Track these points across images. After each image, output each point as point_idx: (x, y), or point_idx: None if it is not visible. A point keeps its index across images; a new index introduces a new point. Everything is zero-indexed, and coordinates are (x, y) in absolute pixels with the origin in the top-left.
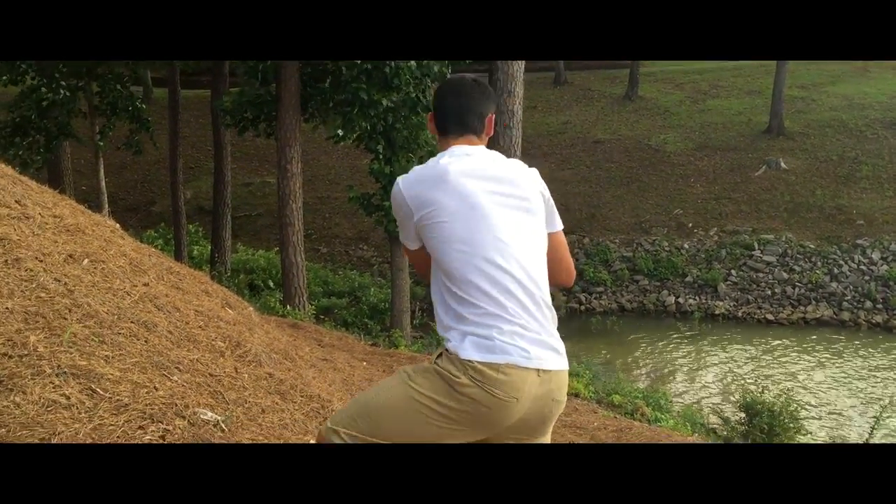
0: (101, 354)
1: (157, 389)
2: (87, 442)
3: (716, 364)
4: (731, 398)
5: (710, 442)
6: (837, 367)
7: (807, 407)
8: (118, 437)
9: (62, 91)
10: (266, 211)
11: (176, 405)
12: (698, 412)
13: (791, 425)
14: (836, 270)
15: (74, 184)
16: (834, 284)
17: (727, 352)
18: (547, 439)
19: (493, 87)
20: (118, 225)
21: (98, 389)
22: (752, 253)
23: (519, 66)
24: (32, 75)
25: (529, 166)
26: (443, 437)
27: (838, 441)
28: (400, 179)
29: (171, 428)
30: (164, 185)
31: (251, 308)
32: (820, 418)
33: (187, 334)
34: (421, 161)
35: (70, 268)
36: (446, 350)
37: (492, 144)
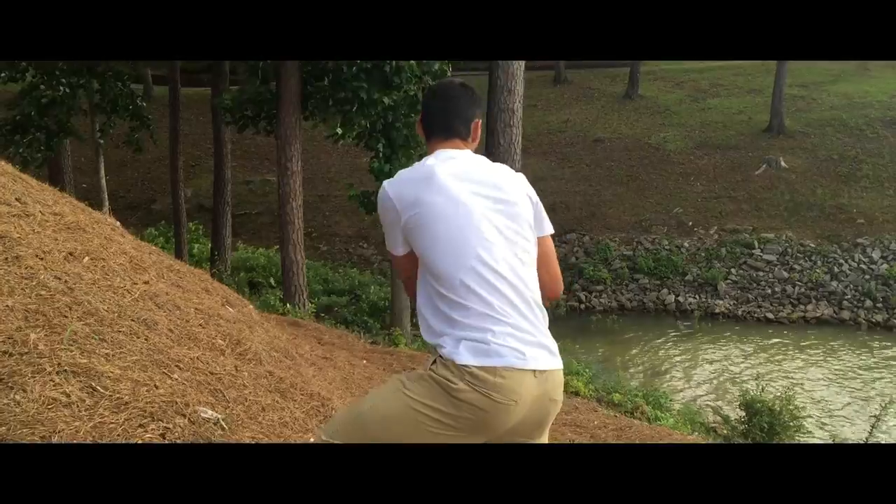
0: (101, 352)
1: (157, 387)
2: (88, 440)
3: (716, 363)
4: (731, 397)
5: (710, 441)
6: (837, 366)
7: (806, 406)
8: (118, 435)
9: (62, 89)
10: (266, 209)
11: (176, 403)
12: (698, 411)
13: (791, 424)
14: (836, 269)
15: (75, 181)
16: (834, 283)
17: (727, 350)
18: (544, 439)
19: (494, 85)
20: (118, 223)
21: (98, 387)
22: (753, 252)
23: (519, 65)
24: (33, 73)
25: (530, 165)
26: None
27: (838, 440)
28: (386, 183)
29: (171, 426)
30: (165, 182)
31: (251, 306)
32: (819, 417)
33: (188, 332)
34: (420, 159)
35: (70, 265)
36: (440, 357)
37: (492, 143)
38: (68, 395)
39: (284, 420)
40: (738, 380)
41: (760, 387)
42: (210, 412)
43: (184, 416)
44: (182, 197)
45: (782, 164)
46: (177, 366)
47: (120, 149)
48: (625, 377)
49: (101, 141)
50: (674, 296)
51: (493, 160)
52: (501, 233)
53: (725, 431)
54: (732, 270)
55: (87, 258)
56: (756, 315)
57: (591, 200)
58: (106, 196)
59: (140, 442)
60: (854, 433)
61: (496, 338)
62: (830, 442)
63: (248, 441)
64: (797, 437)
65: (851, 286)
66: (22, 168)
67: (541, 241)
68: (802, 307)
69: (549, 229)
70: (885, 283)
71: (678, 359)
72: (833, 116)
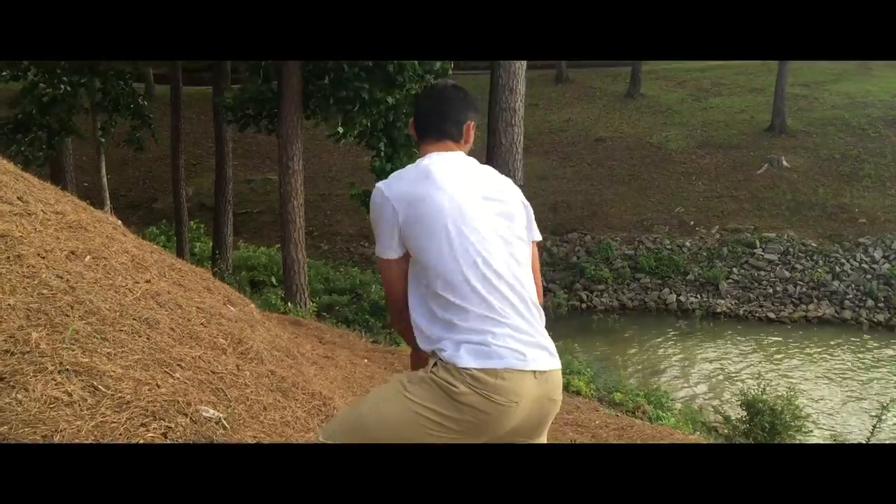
0: (103, 351)
1: (159, 387)
2: (90, 439)
3: (716, 362)
4: (732, 396)
5: (711, 441)
6: (838, 366)
7: (806, 406)
8: (120, 434)
9: (63, 87)
10: (267, 208)
11: (178, 402)
12: (699, 410)
13: (793, 424)
14: (837, 269)
15: (76, 180)
16: (836, 283)
17: (728, 350)
18: (543, 439)
19: (495, 84)
20: (120, 222)
21: (100, 387)
22: (754, 251)
23: (521, 64)
24: (34, 72)
25: (531, 164)
26: None
27: (839, 440)
28: (380, 184)
29: (173, 425)
30: (166, 181)
31: (253, 305)
32: (819, 417)
33: (189, 331)
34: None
35: (72, 264)
36: (441, 360)
37: (494, 142)
38: (70, 395)
39: (286, 419)
40: (738, 379)
41: (762, 386)
42: (212, 411)
43: (185, 415)
44: (183, 196)
45: (784, 163)
46: (178, 365)
47: (121, 147)
48: (626, 376)
49: (103, 139)
50: (675, 295)
51: (495, 159)
52: (499, 233)
53: (727, 431)
54: (734, 270)
55: (88, 257)
56: (757, 315)
57: (592, 200)
58: (107, 195)
59: (142, 441)
60: (855, 433)
61: (496, 339)
62: (832, 442)
63: (249, 440)
64: (799, 437)
65: (853, 286)
66: (24, 167)
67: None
68: (804, 307)
69: (537, 235)
70: (886, 282)
71: (679, 358)
72: (835, 116)
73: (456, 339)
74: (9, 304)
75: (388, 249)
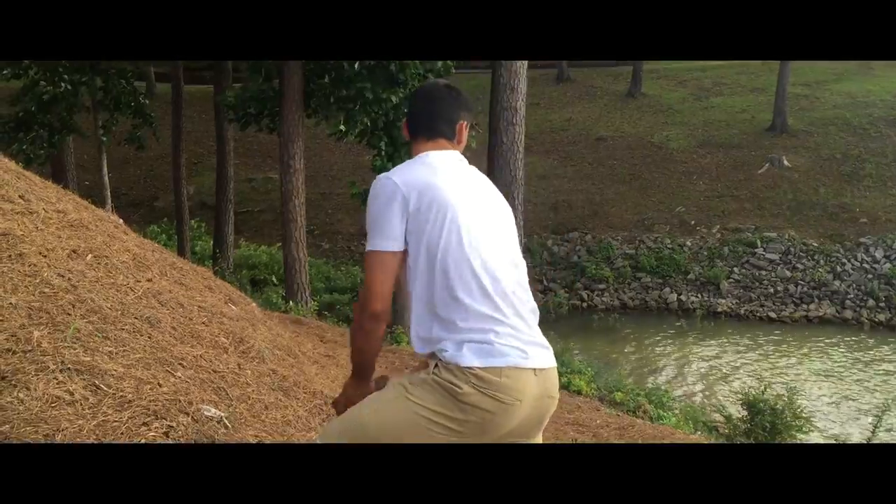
0: (104, 350)
1: (160, 386)
2: (91, 438)
3: (717, 362)
4: (733, 396)
5: (712, 440)
6: (838, 366)
7: (807, 405)
8: (122, 433)
9: (63, 85)
10: (268, 206)
11: (179, 401)
12: (700, 410)
13: (794, 423)
14: (838, 269)
15: (78, 179)
16: (837, 283)
17: (728, 349)
18: (539, 438)
19: (497, 83)
20: (121, 220)
21: (102, 385)
22: (755, 251)
23: (522, 63)
24: (35, 70)
25: (532, 163)
26: None
27: (841, 440)
28: (385, 175)
29: (174, 424)
30: (167, 180)
31: (254, 304)
32: (820, 417)
33: (191, 330)
34: None
35: (74, 263)
36: (442, 360)
37: (495, 141)
38: (72, 393)
39: (287, 418)
40: (739, 379)
41: (763, 386)
42: (213, 410)
43: (187, 414)
44: (184, 194)
45: (785, 162)
46: (180, 364)
47: (122, 146)
48: (626, 376)
49: (104, 138)
50: (676, 295)
51: (496, 158)
52: (499, 233)
53: (727, 430)
54: (735, 269)
55: (90, 256)
56: (758, 314)
57: (593, 199)
58: (109, 193)
59: (143, 440)
60: (855, 433)
61: (499, 338)
62: (833, 442)
63: (251, 439)
64: (800, 437)
65: (854, 285)
66: (25, 165)
67: None
68: (805, 306)
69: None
70: (887, 282)
71: (680, 358)
72: (836, 115)
73: (457, 339)
74: (10, 303)
75: (391, 241)
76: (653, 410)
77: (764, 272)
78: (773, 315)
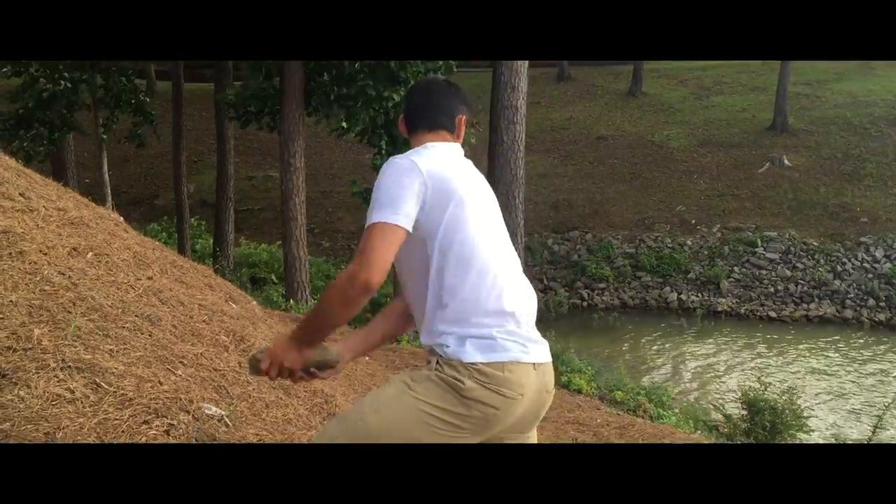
0: (105, 348)
1: (161, 384)
2: (92, 436)
3: (717, 361)
4: (733, 395)
5: (713, 440)
6: (839, 365)
7: (807, 405)
8: (123, 431)
9: (63, 83)
10: (269, 205)
11: (180, 400)
12: (701, 409)
13: (794, 423)
14: (839, 268)
15: (78, 176)
16: (837, 282)
17: (728, 348)
18: (534, 435)
19: (497, 82)
20: (122, 218)
21: (102, 383)
22: (755, 250)
23: (523, 62)
24: (36, 67)
25: (533, 162)
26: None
27: (841, 440)
28: (408, 155)
29: (175, 423)
30: (167, 178)
31: (254, 302)
32: (820, 416)
33: (191, 328)
34: None
35: (74, 261)
36: (444, 356)
37: (496, 139)
38: (72, 391)
39: (288, 417)
40: (739, 378)
41: (763, 385)
42: (214, 409)
43: (188, 412)
44: (185, 192)
45: (786, 162)
46: (181, 362)
47: (123, 144)
48: (626, 375)
49: (105, 136)
50: (676, 294)
51: (497, 157)
52: (499, 228)
53: (727, 430)
54: (735, 269)
55: (90, 254)
56: (759, 313)
57: (593, 198)
58: (109, 191)
59: (144, 438)
60: (856, 432)
61: (501, 333)
62: (833, 442)
63: (252, 438)
64: (800, 437)
65: (854, 285)
66: (25, 163)
67: None
68: (805, 306)
69: None
70: (888, 282)
71: (680, 357)
72: (837, 115)
73: (460, 334)
74: (11, 301)
75: (403, 217)
76: (653, 409)
77: (764, 271)
78: (773, 314)
